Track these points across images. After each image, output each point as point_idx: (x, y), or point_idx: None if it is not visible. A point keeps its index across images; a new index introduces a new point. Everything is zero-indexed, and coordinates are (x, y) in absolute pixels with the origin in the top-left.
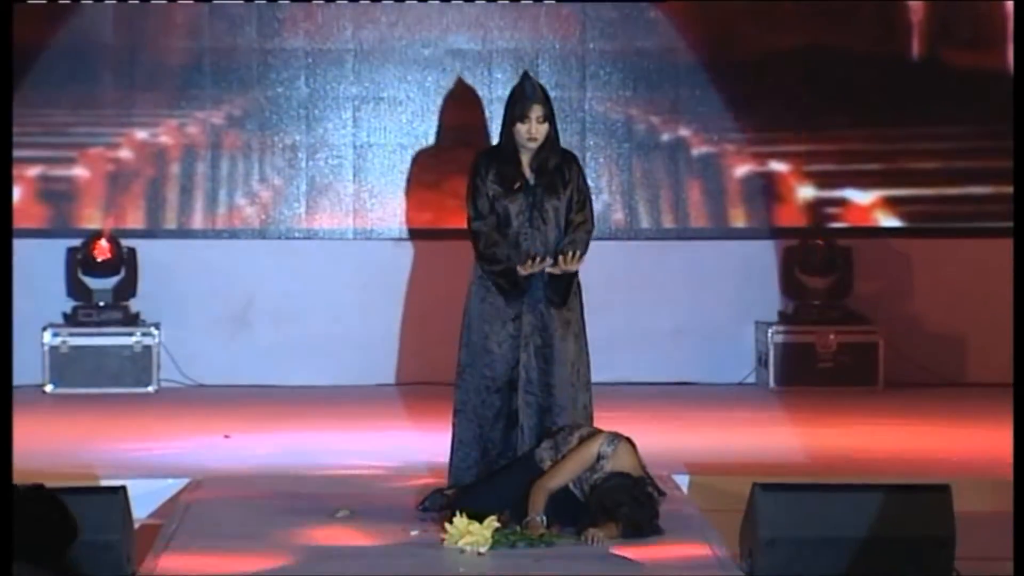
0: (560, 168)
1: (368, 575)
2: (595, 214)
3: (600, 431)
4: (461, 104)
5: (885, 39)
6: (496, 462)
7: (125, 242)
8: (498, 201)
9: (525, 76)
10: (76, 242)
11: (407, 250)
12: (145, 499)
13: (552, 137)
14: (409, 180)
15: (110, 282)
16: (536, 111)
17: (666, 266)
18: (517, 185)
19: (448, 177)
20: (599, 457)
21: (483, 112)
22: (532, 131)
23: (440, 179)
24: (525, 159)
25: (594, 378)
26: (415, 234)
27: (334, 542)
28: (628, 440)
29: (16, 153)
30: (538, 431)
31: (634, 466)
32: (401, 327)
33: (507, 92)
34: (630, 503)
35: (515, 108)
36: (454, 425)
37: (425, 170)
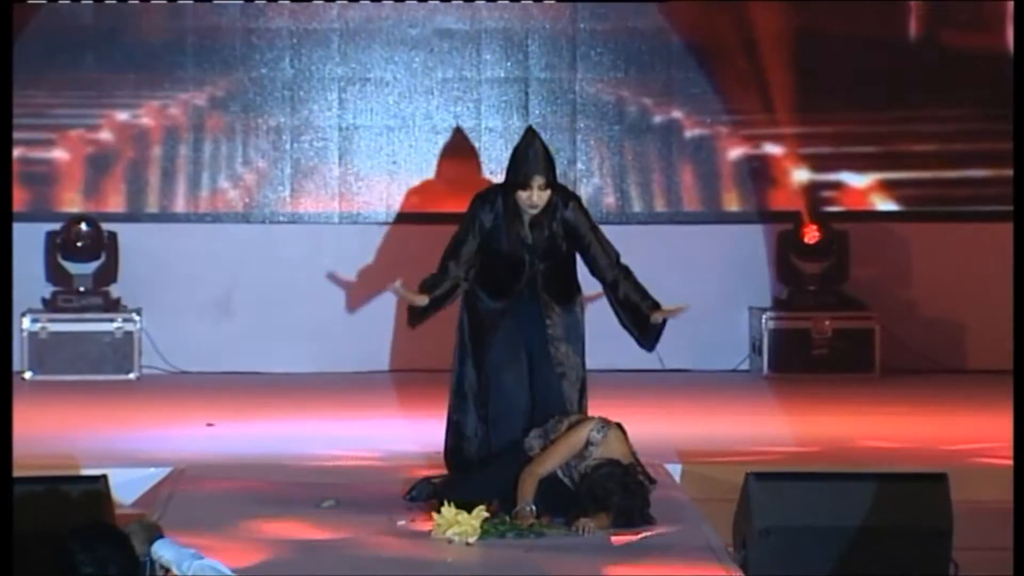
0: (557, 220)
1: (353, 567)
2: (586, 198)
3: (590, 417)
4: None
5: (882, 19)
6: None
7: (106, 226)
8: (497, 235)
9: (529, 135)
10: (55, 226)
11: (394, 234)
12: (127, 488)
13: (554, 200)
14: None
15: (90, 267)
16: (538, 180)
17: (658, 251)
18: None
19: (436, 160)
20: (588, 443)
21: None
22: (533, 199)
23: (428, 162)
24: (526, 218)
25: (585, 365)
26: (403, 218)
27: (319, 533)
28: (618, 426)
29: None
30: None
31: (624, 453)
32: (375, 313)
33: (496, 74)
34: (621, 492)
35: (517, 174)
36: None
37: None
